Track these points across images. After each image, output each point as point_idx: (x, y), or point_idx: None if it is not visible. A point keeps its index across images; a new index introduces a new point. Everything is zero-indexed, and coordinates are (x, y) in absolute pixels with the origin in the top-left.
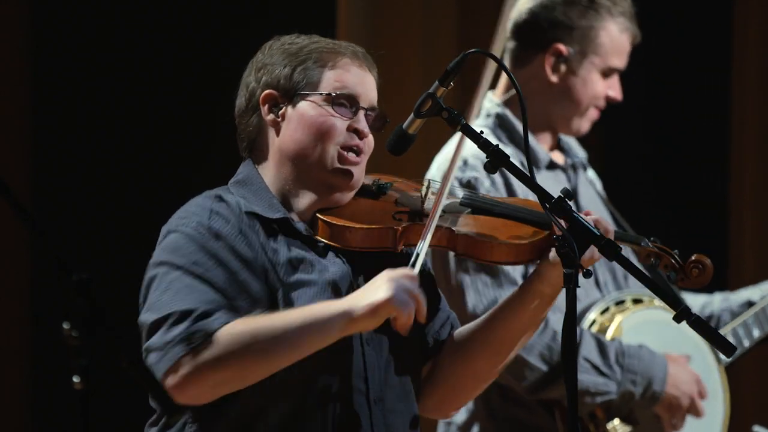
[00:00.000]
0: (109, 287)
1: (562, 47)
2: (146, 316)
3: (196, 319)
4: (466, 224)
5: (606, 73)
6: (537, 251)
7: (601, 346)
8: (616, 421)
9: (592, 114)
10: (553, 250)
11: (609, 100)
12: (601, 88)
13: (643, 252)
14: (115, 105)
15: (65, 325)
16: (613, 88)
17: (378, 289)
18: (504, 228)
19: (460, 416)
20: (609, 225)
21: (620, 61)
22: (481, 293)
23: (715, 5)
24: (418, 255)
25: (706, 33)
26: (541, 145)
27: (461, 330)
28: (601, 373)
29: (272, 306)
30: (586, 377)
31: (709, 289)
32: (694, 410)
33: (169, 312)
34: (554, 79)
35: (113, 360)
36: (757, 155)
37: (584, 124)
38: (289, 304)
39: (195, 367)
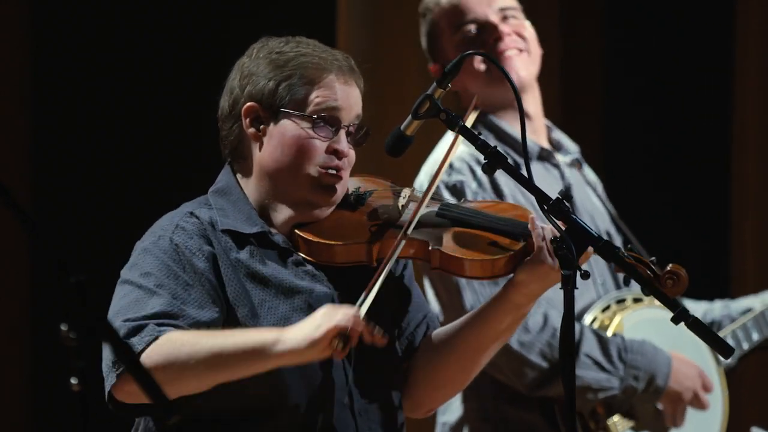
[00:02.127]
0: (108, 289)
1: (436, 66)
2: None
3: (125, 336)
4: (441, 238)
5: (464, 35)
6: (512, 264)
7: (603, 343)
8: (616, 417)
9: (504, 59)
10: (529, 260)
11: (497, 40)
12: (474, 45)
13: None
14: (115, 105)
15: (63, 327)
16: (491, 34)
17: (313, 323)
18: (480, 240)
19: (453, 416)
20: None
21: (472, 13)
22: (477, 292)
23: (716, 5)
24: (365, 298)
25: (706, 33)
26: (529, 135)
27: (438, 332)
28: (603, 369)
29: (229, 325)
30: (588, 373)
31: (710, 290)
32: (698, 404)
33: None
34: (463, 79)
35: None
36: (758, 156)
37: (507, 64)
38: (255, 322)
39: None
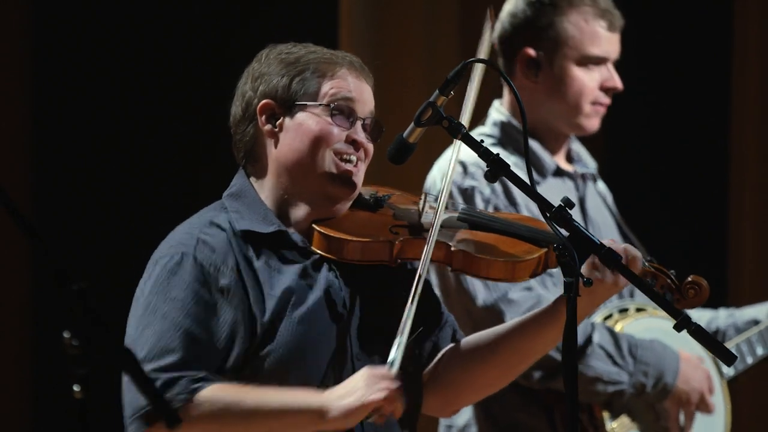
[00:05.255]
0: (110, 294)
1: (529, 50)
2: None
3: (159, 389)
4: (462, 240)
5: (585, 63)
6: (533, 269)
7: (615, 337)
8: (615, 423)
9: (592, 109)
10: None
11: (607, 91)
12: (586, 80)
13: (640, 273)
14: (116, 110)
15: (65, 334)
16: (607, 78)
17: (354, 392)
18: (501, 245)
19: (461, 419)
20: (637, 253)
21: (598, 49)
22: (491, 288)
23: (715, 11)
24: (396, 354)
25: (706, 36)
26: (547, 152)
27: (476, 336)
28: (615, 363)
29: (254, 332)
30: (601, 365)
31: (711, 302)
32: (704, 407)
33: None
34: (532, 82)
35: (113, 369)
36: (756, 165)
37: (587, 121)
38: (277, 325)
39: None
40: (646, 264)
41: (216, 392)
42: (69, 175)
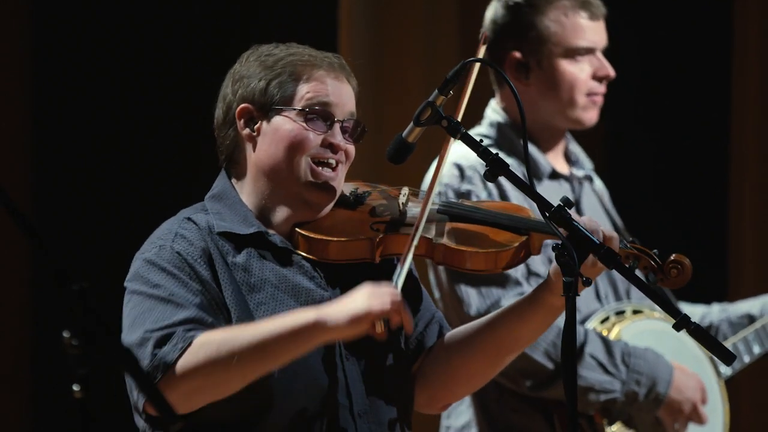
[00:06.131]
0: (110, 294)
1: (516, 54)
2: (125, 339)
3: (155, 346)
4: (443, 233)
5: (573, 56)
6: (515, 257)
7: (607, 345)
8: (615, 427)
9: (588, 100)
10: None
11: (601, 80)
12: (577, 72)
13: (621, 254)
14: (116, 110)
15: (65, 334)
16: (598, 68)
17: (356, 300)
18: (482, 235)
19: (459, 420)
20: (614, 234)
21: (583, 40)
22: (484, 295)
23: (714, 12)
24: (400, 272)
25: (706, 36)
26: (543, 154)
27: (460, 330)
28: (607, 372)
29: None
30: (592, 374)
31: (708, 297)
32: (696, 417)
33: (132, 339)
34: (524, 84)
35: (113, 369)
36: (756, 163)
37: (584, 114)
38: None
39: (167, 378)
40: (627, 245)
41: (210, 335)
42: (69, 175)
